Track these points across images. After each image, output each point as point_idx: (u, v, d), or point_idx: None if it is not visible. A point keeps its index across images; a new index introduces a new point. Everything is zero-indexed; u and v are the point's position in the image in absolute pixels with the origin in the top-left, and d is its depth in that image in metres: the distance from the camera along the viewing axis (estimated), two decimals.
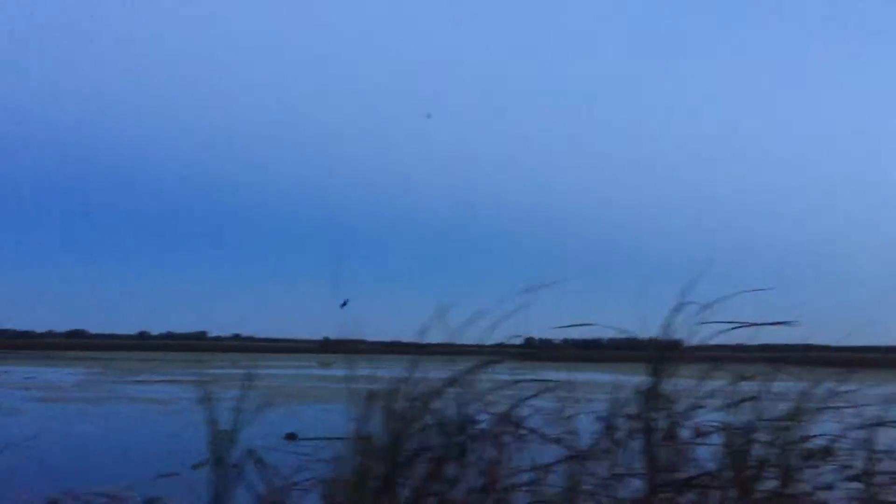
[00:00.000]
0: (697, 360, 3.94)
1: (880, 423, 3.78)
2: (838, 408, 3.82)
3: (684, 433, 3.68)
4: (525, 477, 3.59)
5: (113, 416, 16.85)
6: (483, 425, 3.65)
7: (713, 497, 3.48)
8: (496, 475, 3.48)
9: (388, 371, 3.81)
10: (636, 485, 3.61)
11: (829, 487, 3.54)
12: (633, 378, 4.12)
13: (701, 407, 3.71)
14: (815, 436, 3.67)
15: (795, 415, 3.56)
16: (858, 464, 3.68)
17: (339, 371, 4.55)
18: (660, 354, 3.62)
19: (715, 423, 3.71)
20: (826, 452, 3.60)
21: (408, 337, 4.43)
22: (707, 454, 3.69)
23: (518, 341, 4.04)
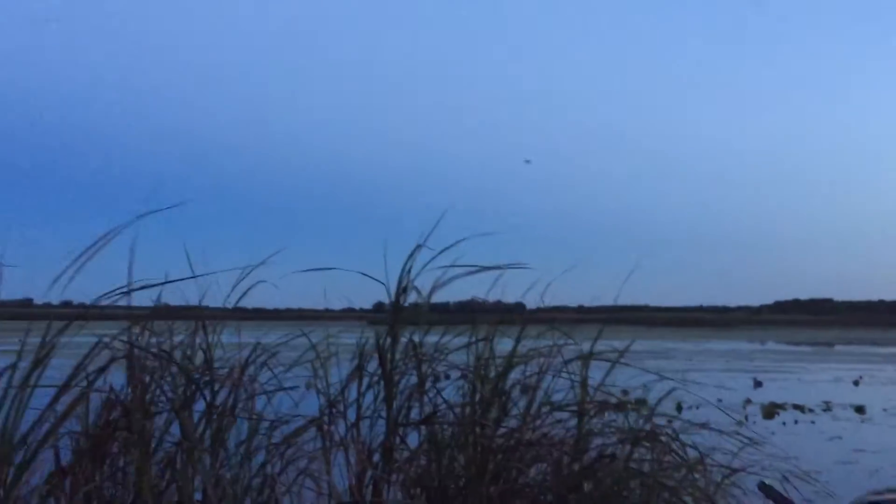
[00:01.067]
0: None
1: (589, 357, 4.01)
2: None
3: (432, 371, 3.78)
4: (278, 420, 3.58)
5: None
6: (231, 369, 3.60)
7: (447, 432, 3.61)
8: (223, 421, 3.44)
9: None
10: (380, 428, 3.69)
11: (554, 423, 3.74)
12: None
13: (446, 353, 3.82)
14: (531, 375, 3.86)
15: (519, 359, 3.74)
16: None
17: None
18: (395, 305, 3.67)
19: (459, 366, 3.84)
20: (533, 389, 3.80)
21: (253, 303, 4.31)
22: (453, 396, 3.82)
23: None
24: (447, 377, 3.81)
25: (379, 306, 4.46)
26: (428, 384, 3.75)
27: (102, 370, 3.46)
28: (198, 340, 3.65)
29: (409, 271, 3.71)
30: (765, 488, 1.29)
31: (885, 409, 14.96)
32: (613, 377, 4.21)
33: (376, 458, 3.63)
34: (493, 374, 3.67)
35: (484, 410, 3.60)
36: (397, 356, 3.71)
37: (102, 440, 3.53)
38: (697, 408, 15.56)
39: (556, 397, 3.84)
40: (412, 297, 3.78)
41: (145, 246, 3.65)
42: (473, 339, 3.83)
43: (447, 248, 3.66)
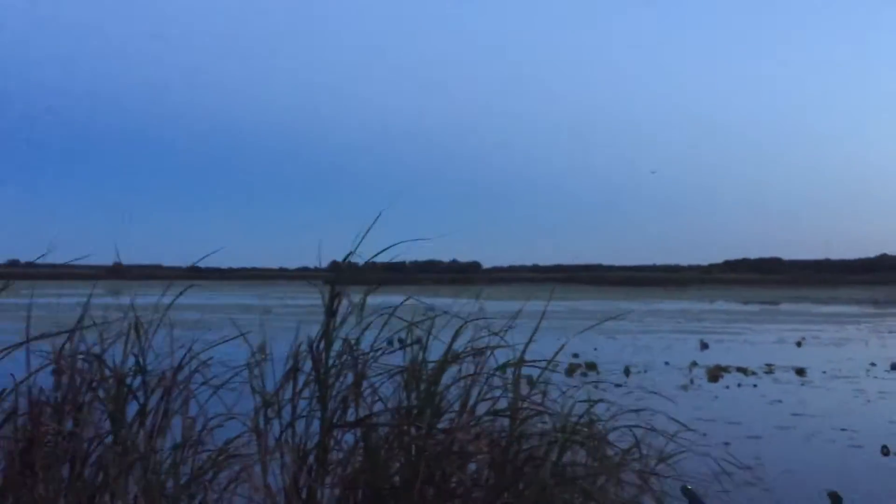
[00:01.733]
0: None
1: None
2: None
3: (368, 373, 3.78)
4: (213, 423, 3.56)
5: None
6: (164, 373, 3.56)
7: (384, 433, 3.64)
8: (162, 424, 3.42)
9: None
10: (317, 428, 3.70)
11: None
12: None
13: (383, 350, 3.83)
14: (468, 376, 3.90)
15: (454, 359, 3.77)
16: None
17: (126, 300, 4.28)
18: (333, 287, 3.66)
19: (398, 366, 3.85)
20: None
21: (211, 263, 4.34)
22: (391, 393, 3.84)
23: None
24: (389, 375, 3.81)
25: (334, 265, 4.44)
26: (365, 384, 3.76)
27: (33, 373, 3.40)
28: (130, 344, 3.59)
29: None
30: (688, 493, 1.31)
31: (824, 372, 15.44)
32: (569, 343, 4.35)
33: (311, 459, 3.64)
34: (425, 376, 3.68)
35: (419, 412, 3.62)
36: (332, 357, 3.70)
37: (33, 443, 3.48)
38: (645, 371, 15.96)
39: (496, 393, 3.88)
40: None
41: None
42: (409, 340, 3.84)
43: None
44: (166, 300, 3.77)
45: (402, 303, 3.96)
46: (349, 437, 3.75)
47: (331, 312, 3.68)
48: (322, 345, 3.66)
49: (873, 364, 16.85)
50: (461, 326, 3.98)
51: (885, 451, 8.46)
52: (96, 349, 3.61)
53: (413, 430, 3.56)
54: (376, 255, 3.94)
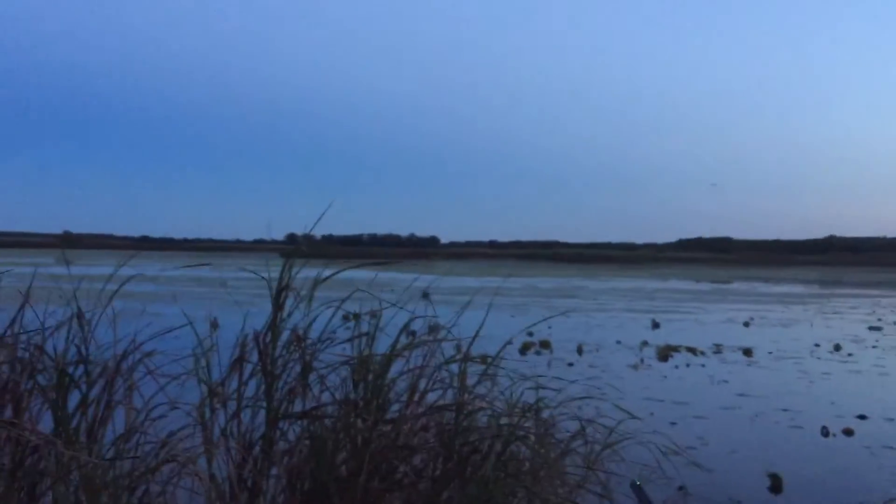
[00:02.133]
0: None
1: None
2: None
3: (315, 365, 3.77)
4: (156, 413, 3.51)
5: None
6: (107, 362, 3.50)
7: (328, 424, 3.64)
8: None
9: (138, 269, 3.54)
10: (262, 418, 3.68)
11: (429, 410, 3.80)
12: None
13: (330, 340, 3.81)
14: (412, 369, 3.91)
15: (400, 351, 3.78)
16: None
17: (81, 269, 4.18)
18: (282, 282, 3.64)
19: (344, 356, 3.84)
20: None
21: (159, 233, 4.25)
22: (338, 385, 3.84)
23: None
24: (333, 368, 3.80)
25: (291, 238, 4.41)
26: (313, 375, 3.75)
27: None
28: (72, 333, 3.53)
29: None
30: (635, 488, 1.32)
31: (770, 353, 15.83)
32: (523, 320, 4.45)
33: (256, 450, 3.63)
34: (372, 368, 3.68)
35: (365, 404, 3.63)
36: (279, 348, 3.68)
37: None
38: (598, 350, 16.19)
39: (444, 384, 3.89)
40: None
41: None
42: (356, 332, 3.83)
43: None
44: (116, 273, 3.69)
45: (349, 296, 3.94)
46: (296, 428, 3.74)
47: (277, 305, 3.66)
48: (269, 336, 3.64)
49: (817, 345, 17.33)
50: (409, 321, 3.99)
51: (826, 432, 8.73)
52: (37, 339, 3.53)
53: (359, 423, 3.57)
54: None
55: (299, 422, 3.68)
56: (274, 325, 3.66)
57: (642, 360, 14.41)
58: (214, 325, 4.51)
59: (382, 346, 3.86)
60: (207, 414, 3.56)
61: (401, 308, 3.95)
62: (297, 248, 3.84)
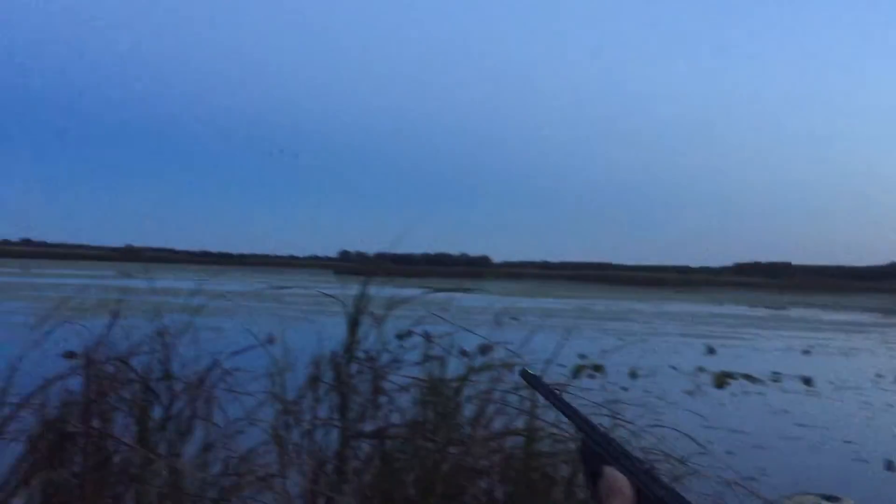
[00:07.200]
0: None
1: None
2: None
3: (386, 386, 3.87)
4: (234, 428, 3.65)
5: None
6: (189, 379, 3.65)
7: (399, 445, 3.72)
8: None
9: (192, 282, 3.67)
10: (335, 435, 3.79)
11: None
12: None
13: (401, 361, 3.91)
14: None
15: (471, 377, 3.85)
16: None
17: (140, 283, 4.39)
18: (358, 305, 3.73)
19: (414, 377, 3.93)
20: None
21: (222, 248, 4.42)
22: (408, 406, 3.92)
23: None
24: (404, 390, 3.89)
25: (344, 254, 4.54)
26: (383, 396, 3.84)
27: (62, 377, 3.50)
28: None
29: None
30: (527, 376, 1.30)
31: (831, 382, 15.44)
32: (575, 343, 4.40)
33: (329, 467, 3.73)
34: (443, 391, 3.77)
35: (435, 427, 3.71)
36: (352, 368, 3.79)
37: (63, 437, 3.57)
38: (652, 375, 15.96)
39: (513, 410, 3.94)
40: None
41: None
42: (426, 353, 3.92)
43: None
44: (181, 285, 3.83)
45: (425, 330, 4.01)
46: (364, 447, 3.83)
47: (354, 326, 3.77)
48: (345, 357, 3.75)
49: (880, 375, 16.84)
50: (483, 347, 4.06)
51: (890, 465, 8.51)
52: (123, 352, 3.71)
53: (429, 445, 3.64)
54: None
55: (369, 441, 3.78)
56: (350, 346, 3.77)
57: (698, 387, 14.19)
58: (273, 340, 4.63)
59: (451, 367, 3.93)
60: (282, 430, 3.68)
61: (469, 332, 4.02)
62: (372, 267, 3.93)
